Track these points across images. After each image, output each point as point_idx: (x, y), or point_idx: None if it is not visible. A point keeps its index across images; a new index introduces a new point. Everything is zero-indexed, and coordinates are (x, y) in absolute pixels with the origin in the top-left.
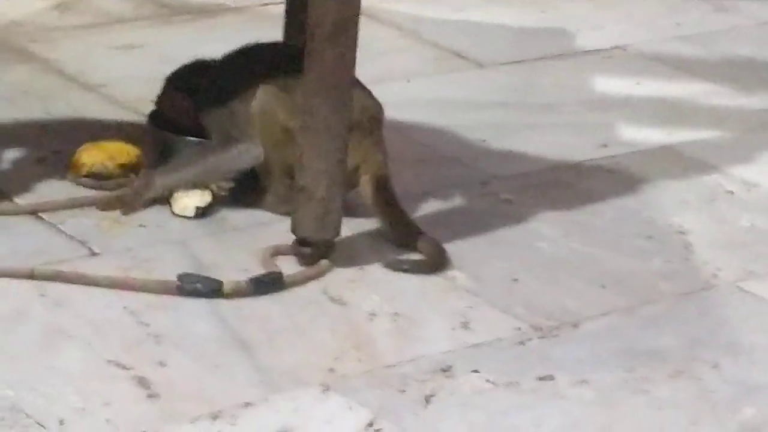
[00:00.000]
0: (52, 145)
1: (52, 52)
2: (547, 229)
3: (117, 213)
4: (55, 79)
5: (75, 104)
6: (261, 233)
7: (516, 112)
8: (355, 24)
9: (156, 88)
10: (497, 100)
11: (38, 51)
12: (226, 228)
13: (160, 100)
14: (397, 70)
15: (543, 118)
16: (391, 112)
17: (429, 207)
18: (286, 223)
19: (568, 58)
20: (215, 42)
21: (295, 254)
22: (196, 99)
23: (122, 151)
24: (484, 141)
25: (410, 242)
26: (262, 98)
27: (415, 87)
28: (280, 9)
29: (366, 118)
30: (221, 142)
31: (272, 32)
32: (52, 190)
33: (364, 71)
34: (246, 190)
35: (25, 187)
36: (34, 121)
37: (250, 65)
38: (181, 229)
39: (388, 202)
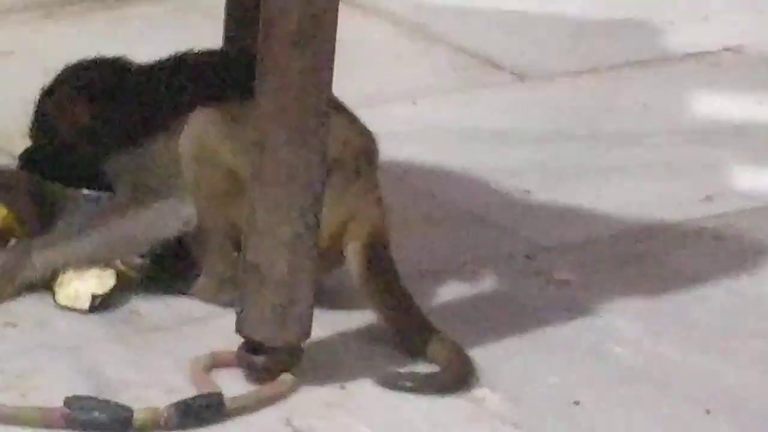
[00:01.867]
0: None
1: None
2: (623, 325)
3: None
4: None
5: None
6: (191, 334)
7: (574, 147)
8: (333, 19)
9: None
10: (546, 129)
11: None
12: (139, 327)
13: (39, 121)
14: (398, 86)
15: (615, 157)
16: (389, 148)
17: (447, 292)
18: (229, 318)
19: (655, 65)
20: (121, 43)
21: (243, 366)
22: (97, 128)
23: None
24: (528, 192)
25: (417, 345)
26: (197, 129)
27: (423, 110)
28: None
29: (351, 155)
30: (132, 196)
31: (205, 31)
32: None
33: (348, 88)
34: (168, 269)
35: None
36: None
37: (178, 83)
38: (70, 328)
39: (385, 282)
